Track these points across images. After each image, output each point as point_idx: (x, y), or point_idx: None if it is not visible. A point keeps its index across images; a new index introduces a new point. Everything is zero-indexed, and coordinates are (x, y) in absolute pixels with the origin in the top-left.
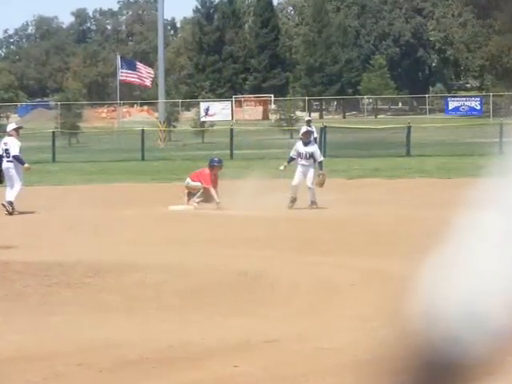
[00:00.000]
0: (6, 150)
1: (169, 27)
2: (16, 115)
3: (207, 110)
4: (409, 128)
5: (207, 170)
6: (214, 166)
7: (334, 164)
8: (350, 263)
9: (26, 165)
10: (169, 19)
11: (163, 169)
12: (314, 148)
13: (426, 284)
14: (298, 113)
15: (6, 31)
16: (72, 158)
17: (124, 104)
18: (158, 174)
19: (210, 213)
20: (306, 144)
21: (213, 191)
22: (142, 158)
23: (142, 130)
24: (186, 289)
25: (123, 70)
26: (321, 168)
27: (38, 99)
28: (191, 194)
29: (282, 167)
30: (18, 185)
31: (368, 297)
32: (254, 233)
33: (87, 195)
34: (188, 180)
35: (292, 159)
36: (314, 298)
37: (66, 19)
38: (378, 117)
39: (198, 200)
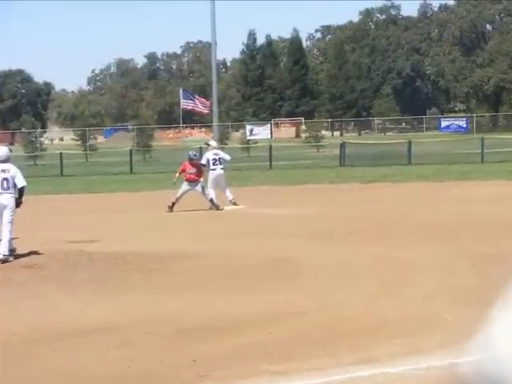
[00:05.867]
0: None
1: (221, 66)
2: (102, 137)
3: (252, 130)
4: (410, 142)
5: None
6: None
7: (351, 171)
8: (361, 250)
9: None
10: (221, 59)
11: None
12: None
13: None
14: (323, 131)
15: (93, 71)
16: (145, 170)
17: (186, 127)
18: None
19: (248, 211)
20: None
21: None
22: None
23: (200, 148)
24: (232, 271)
25: (184, 101)
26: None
27: (119, 124)
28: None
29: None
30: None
31: (375, 278)
32: (281, 226)
33: (156, 200)
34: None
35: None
36: (333, 277)
37: (140, 60)
38: (386, 134)
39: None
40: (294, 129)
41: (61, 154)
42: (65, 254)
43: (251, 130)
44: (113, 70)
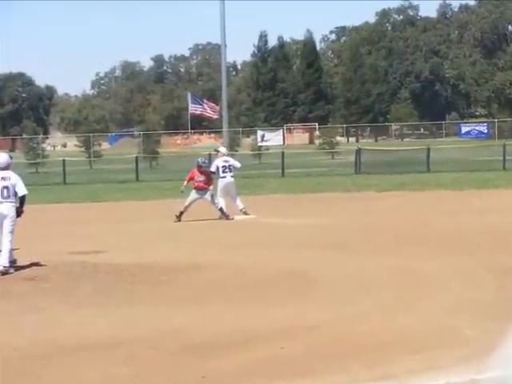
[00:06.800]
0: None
1: (231, 69)
2: (107, 143)
3: (263, 136)
4: (428, 149)
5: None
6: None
7: (367, 179)
8: (377, 261)
9: None
10: (231, 62)
11: None
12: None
13: None
14: (338, 138)
15: (97, 74)
16: (152, 178)
17: (195, 132)
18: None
19: (259, 221)
20: None
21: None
22: None
23: (209, 154)
24: (242, 284)
25: (193, 105)
26: None
27: (125, 130)
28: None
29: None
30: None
31: (391, 291)
32: (294, 236)
33: (163, 209)
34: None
35: None
36: (347, 290)
37: (147, 63)
38: (404, 140)
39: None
40: (307, 135)
41: (64, 160)
42: (68, 266)
43: (263, 136)
44: (118, 73)
